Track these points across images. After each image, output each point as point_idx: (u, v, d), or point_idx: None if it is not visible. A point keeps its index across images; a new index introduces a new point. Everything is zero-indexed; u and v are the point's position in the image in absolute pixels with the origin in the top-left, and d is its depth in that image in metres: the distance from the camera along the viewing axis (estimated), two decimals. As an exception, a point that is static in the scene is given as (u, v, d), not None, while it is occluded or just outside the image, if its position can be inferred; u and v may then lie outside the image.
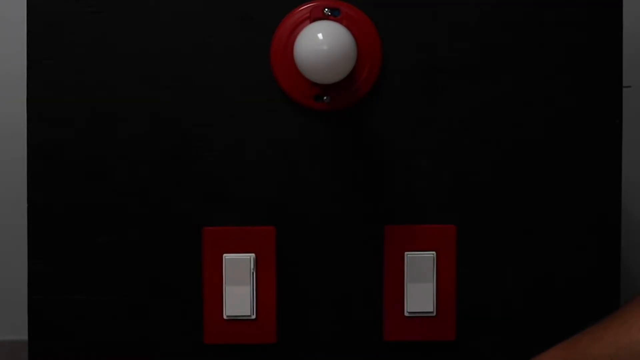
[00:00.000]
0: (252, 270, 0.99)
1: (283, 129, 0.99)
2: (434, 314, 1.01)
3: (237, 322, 1.00)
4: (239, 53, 0.99)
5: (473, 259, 1.01)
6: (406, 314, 1.00)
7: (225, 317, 1.00)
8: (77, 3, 0.99)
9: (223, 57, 0.99)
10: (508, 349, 1.02)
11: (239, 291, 0.99)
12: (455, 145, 1.00)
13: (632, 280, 1.53)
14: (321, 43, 0.91)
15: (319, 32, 0.91)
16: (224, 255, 0.99)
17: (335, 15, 0.98)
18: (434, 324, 1.01)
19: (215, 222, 1.00)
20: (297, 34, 0.95)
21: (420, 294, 1.00)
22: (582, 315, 1.01)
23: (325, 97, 0.98)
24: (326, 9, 0.98)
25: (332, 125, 1.00)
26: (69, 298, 1.00)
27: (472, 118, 1.00)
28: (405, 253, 1.00)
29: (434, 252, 1.00)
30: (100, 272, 1.00)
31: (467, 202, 1.00)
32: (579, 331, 1.01)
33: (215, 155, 1.00)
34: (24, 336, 1.01)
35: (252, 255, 0.99)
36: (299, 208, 1.00)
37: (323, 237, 1.00)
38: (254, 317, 1.00)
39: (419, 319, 1.01)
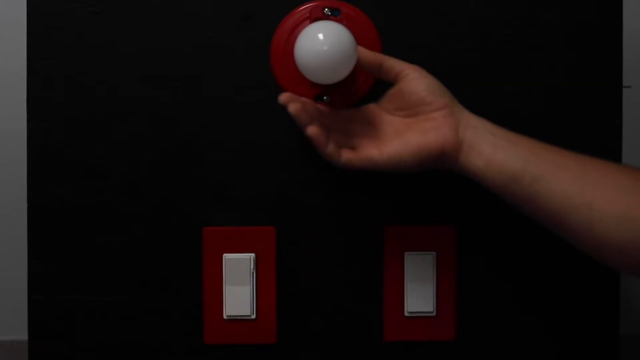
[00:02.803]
0: (252, 270, 0.99)
1: (283, 129, 0.99)
2: (434, 314, 1.01)
3: (237, 322, 1.00)
4: (239, 53, 0.99)
5: (473, 259, 1.01)
6: (406, 314, 1.00)
7: (225, 317, 1.00)
8: (77, 3, 0.99)
9: (223, 57, 0.99)
10: (508, 348, 1.02)
11: (238, 291, 0.99)
12: (455, 145, 1.00)
13: (632, 280, 1.53)
14: (321, 43, 0.91)
15: (319, 33, 0.91)
16: (224, 255, 0.99)
17: (335, 15, 0.98)
18: (434, 324, 1.01)
19: (215, 222, 1.00)
20: (297, 34, 0.95)
21: (420, 294, 1.00)
22: (582, 315, 1.01)
23: (325, 97, 0.98)
24: (326, 9, 0.98)
25: (332, 125, 1.00)
26: (69, 298, 1.00)
27: (472, 118, 1.00)
28: (405, 253, 1.00)
29: (434, 252, 1.00)
30: (100, 272, 1.00)
31: (467, 202, 1.00)
32: (578, 331, 1.02)
33: (215, 155, 1.00)
34: (24, 336, 1.01)
35: (252, 255, 0.99)
36: (299, 208, 1.00)
37: (323, 237, 1.00)
38: (253, 317, 1.00)
39: (419, 319, 1.01)
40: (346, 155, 0.92)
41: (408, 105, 0.93)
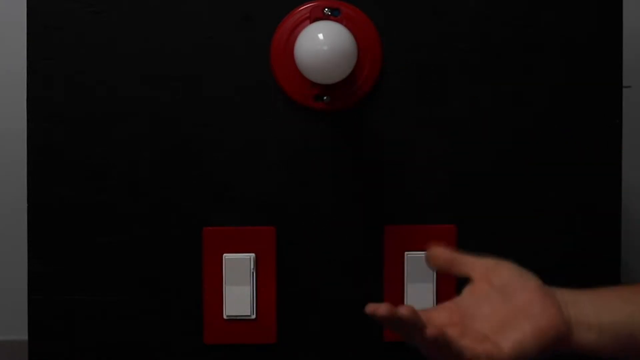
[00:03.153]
0: (252, 270, 0.99)
1: (283, 129, 0.99)
2: (434, 314, 1.00)
3: (237, 322, 1.00)
4: (239, 53, 0.99)
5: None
6: (406, 314, 1.00)
7: (225, 317, 1.00)
8: (77, 3, 0.99)
9: (223, 57, 0.99)
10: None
11: (238, 291, 0.99)
12: (455, 145, 1.00)
13: (632, 280, 1.53)
14: (321, 43, 0.91)
15: (319, 33, 0.91)
16: (224, 255, 0.99)
17: (335, 15, 0.98)
18: (434, 324, 1.01)
19: (215, 222, 1.00)
20: (297, 34, 0.95)
21: (420, 294, 1.00)
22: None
23: (325, 97, 0.98)
24: (326, 9, 0.98)
25: (332, 125, 1.00)
26: (69, 298, 1.00)
27: (472, 118, 1.00)
28: (405, 253, 1.00)
29: (434, 252, 1.00)
30: (100, 272, 1.00)
31: (467, 202, 1.00)
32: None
33: (215, 155, 1.00)
34: (24, 336, 1.01)
35: (252, 255, 0.99)
36: (299, 208, 1.00)
37: (323, 237, 1.00)
38: (253, 317, 1.00)
39: (419, 319, 1.01)
40: None
41: (498, 291, 0.84)
